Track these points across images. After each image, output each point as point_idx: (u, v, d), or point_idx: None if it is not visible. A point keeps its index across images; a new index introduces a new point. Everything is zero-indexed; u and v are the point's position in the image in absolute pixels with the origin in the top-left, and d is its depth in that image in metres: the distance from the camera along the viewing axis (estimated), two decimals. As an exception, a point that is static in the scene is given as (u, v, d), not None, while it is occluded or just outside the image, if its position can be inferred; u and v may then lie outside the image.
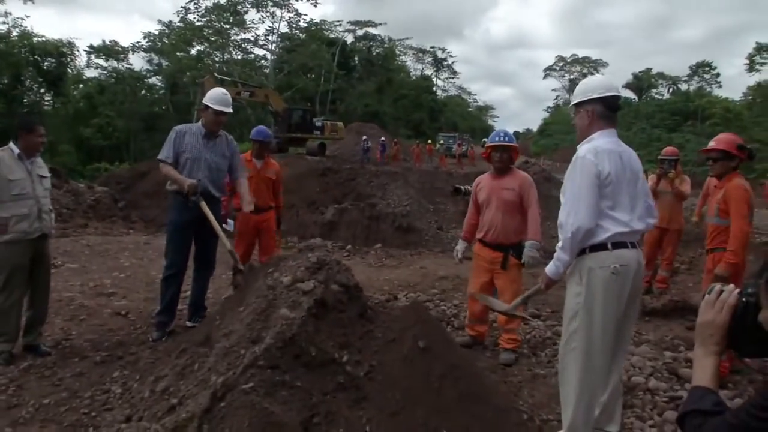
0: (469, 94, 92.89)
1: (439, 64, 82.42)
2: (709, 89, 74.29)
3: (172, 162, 5.10)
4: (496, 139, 4.89)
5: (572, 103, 3.20)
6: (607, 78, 3.24)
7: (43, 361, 4.50)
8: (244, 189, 5.47)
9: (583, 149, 3.02)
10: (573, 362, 2.96)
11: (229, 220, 7.01)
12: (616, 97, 3.14)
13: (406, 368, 3.31)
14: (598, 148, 2.97)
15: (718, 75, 76.88)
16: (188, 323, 5.37)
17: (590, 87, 3.14)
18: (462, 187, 8.04)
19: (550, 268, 3.12)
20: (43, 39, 46.59)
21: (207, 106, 5.20)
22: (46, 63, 47.21)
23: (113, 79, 55.28)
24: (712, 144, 4.51)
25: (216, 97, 5.24)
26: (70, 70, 51.31)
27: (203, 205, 4.96)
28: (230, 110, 5.30)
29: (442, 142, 44.62)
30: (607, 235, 2.90)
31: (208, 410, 2.91)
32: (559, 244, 3.02)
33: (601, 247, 2.90)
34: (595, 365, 2.91)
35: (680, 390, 4.09)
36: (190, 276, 5.45)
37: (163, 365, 3.90)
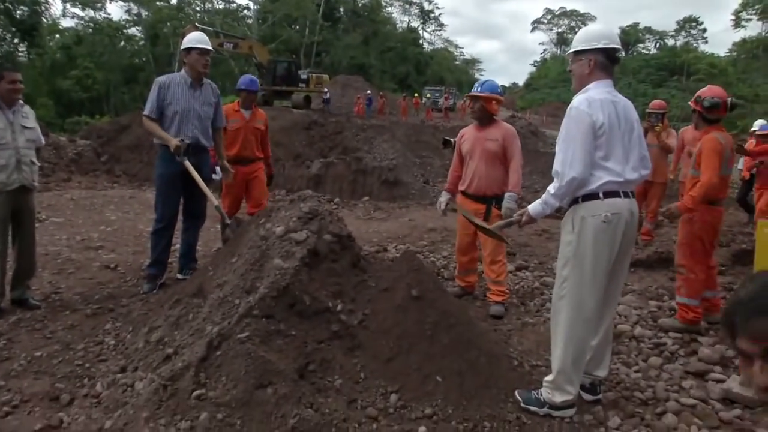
0: (456, 47, 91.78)
1: (425, 16, 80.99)
2: (695, 45, 74.23)
3: (156, 117, 4.99)
4: (474, 89, 4.93)
5: (572, 49, 3.14)
6: (610, 28, 3.16)
7: (33, 314, 4.47)
8: (220, 147, 5.47)
9: (578, 99, 3.00)
10: (564, 309, 3.00)
11: (217, 169, 6.93)
12: (618, 50, 3.12)
13: (400, 316, 3.35)
14: (592, 99, 2.96)
15: (704, 30, 76.81)
16: (179, 276, 5.36)
17: (594, 35, 3.08)
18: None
19: (534, 207, 3.12)
20: (15, -14, 45.03)
21: (189, 49, 5.06)
22: (18, 11, 45.67)
23: (91, 30, 53.77)
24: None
25: (196, 38, 5.13)
26: (45, 20, 49.80)
27: (188, 164, 4.89)
28: (210, 46, 5.18)
29: (428, 95, 44.20)
30: (599, 184, 2.91)
31: (204, 359, 2.95)
32: (552, 189, 3.01)
33: (593, 196, 2.92)
34: (585, 312, 2.96)
35: (664, 337, 4.21)
36: (179, 229, 5.42)
37: (157, 316, 3.91)
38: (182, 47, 5.15)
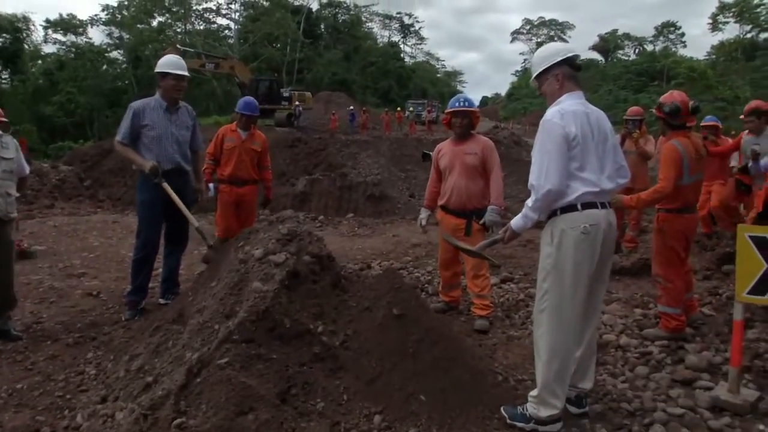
0: (437, 59, 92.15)
1: (406, 30, 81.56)
2: (674, 49, 75.14)
3: (129, 143, 4.93)
4: (456, 104, 4.86)
5: (537, 71, 3.17)
6: (562, 42, 3.25)
7: (15, 345, 4.40)
8: (198, 170, 5.41)
9: (550, 112, 3.02)
10: (545, 321, 2.99)
11: (210, 185, 6.88)
12: (578, 56, 3.18)
13: (382, 335, 3.33)
14: (564, 110, 2.98)
15: (683, 35, 77.89)
16: (161, 301, 5.30)
17: (552, 51, 3.15)
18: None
19: (516, 222, 3.12)
20: (-4, 14, 44.92)
21: (165, 73, 4.97)
22: (0, 39, 45.49)
23: (73, 55, 53.58)
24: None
25: (172, 62, 5.03)
26: (26, 46, 49.65)
27: (166, 186, 4.84)
28: (187, 72, 5.08)
29: (411, 109, 44.34)
30: (576, 195, 2.91)
31: (184, 386, 2.90)
32: (529, 203, 3.02)
33: (571, 208, 2.92)
34: (566, 324, 2.94)
35: (650, 346, 4.19)
36: (161, 253, 5.36)
37: (137, 344, 3.86)
38: (157, 70, 5.04)
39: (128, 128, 4.91)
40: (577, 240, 2.87)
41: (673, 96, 4.40)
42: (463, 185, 4.75)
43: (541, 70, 3.15)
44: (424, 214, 5.21)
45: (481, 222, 4.68)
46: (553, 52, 3.14)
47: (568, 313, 2.92)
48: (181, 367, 3.05)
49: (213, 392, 2.84)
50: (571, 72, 3.11)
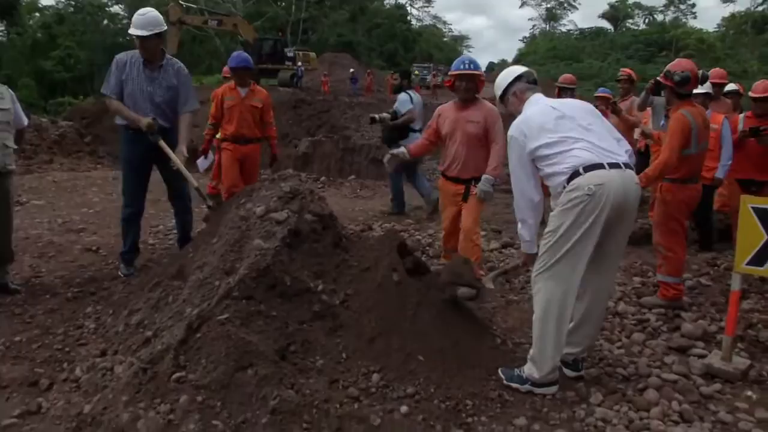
0: (444, 23, 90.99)
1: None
2: (684, 20, 74.02)
3: (117, 96, 4.77)
4: (460, 66, 4.61)
5: (499, 95, 3.51)
6: (511, 67, 3.63)
7: (13, 299, 4.41)
8: (183, 129, 4.92)
9: (511, 127, 3.21)
10: (542, 280, 3.00)
11: (203, 158, 6.82)
12: (532, 72, 3.48)
13: (382, 296, 3.33)
14: (520, 120, 3.18)
15: (693, 5, 76.68)
16: None
17: (508, 74, 3.49)
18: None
19: (523, 245, 3.31)
20: (-9, -37, 43.94)
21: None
22: (-4, -10, 44.65)
23: (72, 8, 52.72)
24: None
25: (134, 20, 4.65)
26: (23, -2, 48.79)
27: (162, 144, 4.71)
28: (149, 33, 4.59)
29: (416, 72, 43.82)
30: (573, 164, 2.90)
31: (184, 341, 2.92)
32: (518, 223, 3.25)
33: (574, 175, 2.88)
34: (564, 286, 2.93)
35: (647, 313, 4.22)
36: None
37: (137, 299, 3.87)
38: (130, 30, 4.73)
39: (116, 81, 4.74)
40: (581, 201, 2.83)
41: (681, 64, 4.30)
42: (463, 154, 4.59)
43: (500, 92, 3.48)
44: (399, 150, 4.93)
45: (477, 191, 4.54)
46: (507, 75, 3.49)
47: (566, 275, 2.92)
48: (181, 323, 3.06)
49: (212, 347, 2.86)
50: (527, 86, 3.39)
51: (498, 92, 3.50)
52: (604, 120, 3.22)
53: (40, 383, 3.21)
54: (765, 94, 5.67)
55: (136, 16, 4.69)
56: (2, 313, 4.17)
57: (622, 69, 7.75)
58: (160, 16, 4.81)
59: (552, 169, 3.00)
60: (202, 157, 6.85)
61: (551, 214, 3.00)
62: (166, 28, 4.88)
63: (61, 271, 5.10)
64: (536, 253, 3.16)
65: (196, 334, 2.95)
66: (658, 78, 4.58)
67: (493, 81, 3.57)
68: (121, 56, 4.85)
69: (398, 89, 7.96)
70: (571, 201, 2.86)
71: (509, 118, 3.36)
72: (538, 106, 3.22)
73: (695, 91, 4.50)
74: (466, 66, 4.61)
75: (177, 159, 4.74)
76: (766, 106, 5.72)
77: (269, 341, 2.98)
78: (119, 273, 5.00)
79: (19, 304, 4.33)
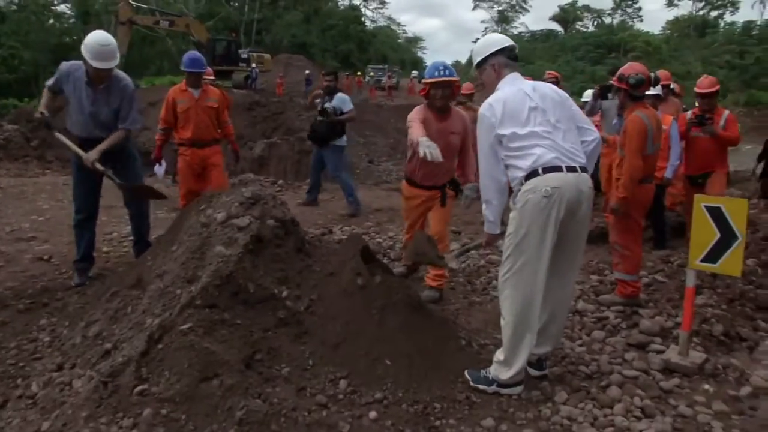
0: (399, 25, 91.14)
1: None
2: (631, 23, 76.09)
3: (53, 92, 4.70)
4: (435, 74, 4.31)
5: (476, 62, 3.33)
6: (499, 35, 3.42)
7: (-39, 312, 4.22)
8: (107, 139, 4.60)
9: (483, 105, 3.14)
10: (508, 285, 3.03)
11: (157, 165, 6.55)
12: (514, 47, 3.31)
13: (346, 301, 3.33)
14: (493, 99, 3.11)
15: (639, 9, 79.01)
16: None
17: (490, 42, 3.31)
18: (327, 107, 8.03)
19: (486, 226, 3.27)
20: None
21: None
22: (-68, -13, 42.81)
23: (15, 7, 50.86)
24: None
25: (93, 48, 4.34)
26: (-39, -4, 46.92)
27: (58, 135, 4.63)
28: (111, 65, 4.44)
29: (371, 74, 43.94)
30: (533, 160, 2.93)
31: (146, 353, 2.85)
32: (483, 203, 3.21)
33: (533, 173, 2.93)
34: (529, 288, 2.96)
35: (606, 311, 4.31)
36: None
37: (94, 310, 3.75)
38: (82, 51, 4.39)
39: (55, 83, 4.65)
40: (538, 203, 2.88)
41: (634, 68, 4.40)
42: (444, 165, 4.27)
43: (479, 59, 3.30)
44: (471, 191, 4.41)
45: (462, 198, 4.44)
46: (489, 43, 3.30)
47: (529, 278, 2.95)
48: (142, 333, 2.98)
49: (175, 358, 2.79)
50: (507, 62, 3.26)
51: (476, 58, 3.33)
52: (572, 109, 3.18)
53: (-7, 401, 3.08)
54: (710, 90, 5.87)
55: (96, 45, 4.36)
56: (-51, 327, 3.99)
57: (548, 71, 8.00)
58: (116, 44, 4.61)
59: (512, 162, 3.03)
60: (157, 164, 6.61)
61: (511, 214, 3.04)
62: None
63: (11, 282, 4.88)
64: (499, 234, 3.22)
65: (157, 345, 2.88)
66: (610, 82, 4.68)
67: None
68: (65, 67, 4.62)
69: (333, 90, 8.19)
70: (528, 201, 2.91)
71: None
72: (513, 89, 3.12)
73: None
74: (442, 72, 4.31)
75: (79, 151, 4.55)
76: (712, 102, 5.91)
77: (234, 350, 2.93)
78: (72, 283, 4.84)
79: (-33, 317, 4.14)
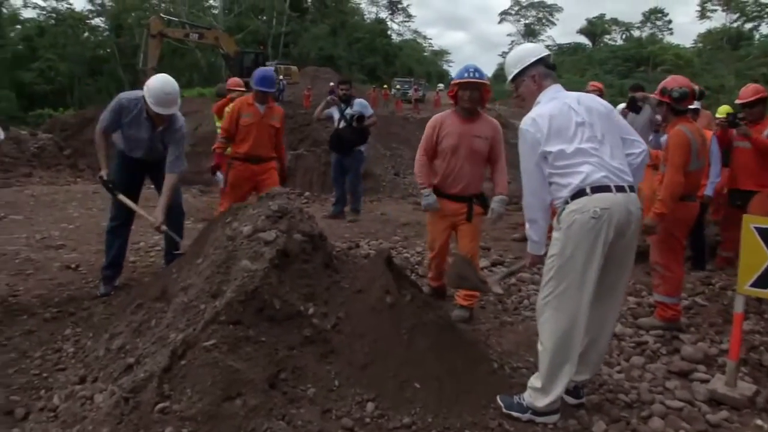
0: (425, 38, 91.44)
1: (393, 7, 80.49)
2: (660, 36, 75.35)
3: (108, 134, 4.73)
4: (464, 75, 4.24)
5: (513, 73, 3.15)
6: (533, 43, 3.30)
7: (-12, 319, 4.22)
8: (164, 193, 4.68)
9: (524, 120, 3.00)
10: (549, 309, 2.86)
11: (218, 174, 6.59)
12: (551, 56, 3.18)
13: (375, 319, 3.21)
14: (537, 114, 2.95)
15: (669, 22, 78.19)
16: None
17: (527, 52, 3.16)
18: (354, 113, 8.18)
19: (530, 246, 3.12)
20: (-27, -25, 43.62)
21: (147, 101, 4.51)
22: (-24, 2, 44.27)
23: (53, 21, 52.28)
24: None
25: (157, 95, 4.43)
26: (4, 10, 48.30)
27: (122, 197, 4.69)
28: (173, 111, 4.56)
29: (398, 87, 44.00)
30: (581, 179, 2.79)
31: (168, 369, 2.76)
32: (526, 222, 3.07)
33: (579, 193, 2.79)
34: (570, 314, 2.80)
35: (645, 335, 4.13)
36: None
37: (118, 321, 3.71)
38: (145, 93, 4.49)
39: (111, 122, 4.64)
40: (586, 224, 2.73)
41: (678, 81, 4.25)
42: (467, 171, 4.34)
43: (516, 72, 3.14)
44: (430, 198, 4.45)
45: (489, 215, 4.36)
46: (526, 53, 3.15)
47: (573, 302, 2.79)
48: (165, 349, 2.91)
49: (198, 376, 2.71)
50: (547, 72, 3.10)
51: (512, 70, 3.15)
52: (617, 121, 3.04)
53: (16, 412, 3.06)
54: (755, 97, 5.53)
55: (160, 92, 4.43)
56: (-23, 334, 3.99)
57: (591, 83, 7.75)
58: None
59: (557, 180, 2.89)
60: (218, 172, 6.53)
61: (553, 234, 2.89)
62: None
63: (38, 290, 4.89)
64: (544, 255, 3.04)
65: (180, 361, 2.80)
66: (630, 95, 4.54)
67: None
68: (127, 101, 4.63)
69: (349, 98, 8.31)
70: (575, 222, 2.76)
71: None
72: (556, 103, 2.96)
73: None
74: (471, 74, 4.24)
75: (144, 213, 4.69)
76: (758, 111, 5.56)
77: (258, 369, 2.83)
78: (98, 292, 4.82)
79: (-5, 325, 4.13)
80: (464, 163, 4.33)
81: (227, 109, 7.91)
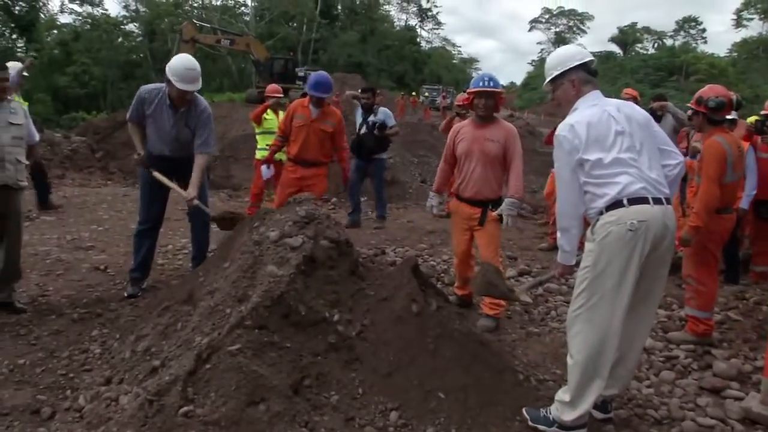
0: (454, 45, 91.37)
1: (423, 14, 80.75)
2: (694, 45, 74.23)
3: (137, 121, 4.80)
4: (480, 84, 4.39)
5: (553, 75, 3.05)
6: (577, 46, 3.15)
7: (18, 318, 4.29)
8: (195, 172, 4.69)
9: (561, 126, 2.91)
10: (580, 322, 2.79)
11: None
12: (594, 61, 3.06)
13: (400, 328, 3.18)
14: (575, 121, 2.86)
15: (704, 30, 77.16)
16: None
17: (568, 55, 3.05)
18: (377, 121, 8.20)
19: (560, 255, 3.03)
20: (14, -18, 44.82)
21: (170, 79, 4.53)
22: (17, 8, 45.39)
23: (88, 26, 53.47)
24: None
25: (179, 72, 4.47)
26: (42, 15, 49.57)
27: (156, 174, 4.71)
28: (196, 87, 4.58)
29: (426, 94, 44.03)
30: (618, 190, 2.72)
31: (193, 373, 2.76)
32: (558, 231, 2.97)
33: (616, 204, 2.72)
34: (603, 327, 2.73)
35: (675, 349, 4.03)
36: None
37: (145, 324, 3.73)
38: (166, 73, 4.54)
39: (137, 111, 4.75)
40: (623, 237, 2.66)
41: (715, 90, 4.14)
42: (481, 175, 4.41)
43: (557, 74, 3.03)
44: (434, 199, 4.78)
45: (497, 213, 4.36)
46: (568, 56, 3.04)
47: (605, 316, 2.72)
48: (190, 352, 2.91)
49: (223, 380, 2.71)
50: (587, 77, 3.00)
51: (552, 72, 3.05)
52: (654, 131, 2.95)
53: (42, 412, 3.07)
54: None
55: (182, 68, 4.49)
56: (7, 333, 4.05)
57: (626, 90, 7.61)
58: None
59: (592, 190, 2.81)
60: (266, 166, 6.94)
61: (587, 246, 2.83)
62: None
63: (67, 290, 4.98)
64: (575, 265, 2.98)
65: (205, 365, 2.80)
66: (651, 106, 4.44)
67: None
68: (145, 91, 4.74)
69: (371, 106, 8.31)
70: (610, 234, 2.70)
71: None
72: (596, 110, 2.88)
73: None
74: (486, 83, 4.39)
75: (173, 185, 4.72)
76: None
77: (282, 374, 2.83)
78: (125, 293, 4.87)
79: (25, 324, 4.20)
80: (477, 166, 4.43)
81: (265, 116, 8.06)
